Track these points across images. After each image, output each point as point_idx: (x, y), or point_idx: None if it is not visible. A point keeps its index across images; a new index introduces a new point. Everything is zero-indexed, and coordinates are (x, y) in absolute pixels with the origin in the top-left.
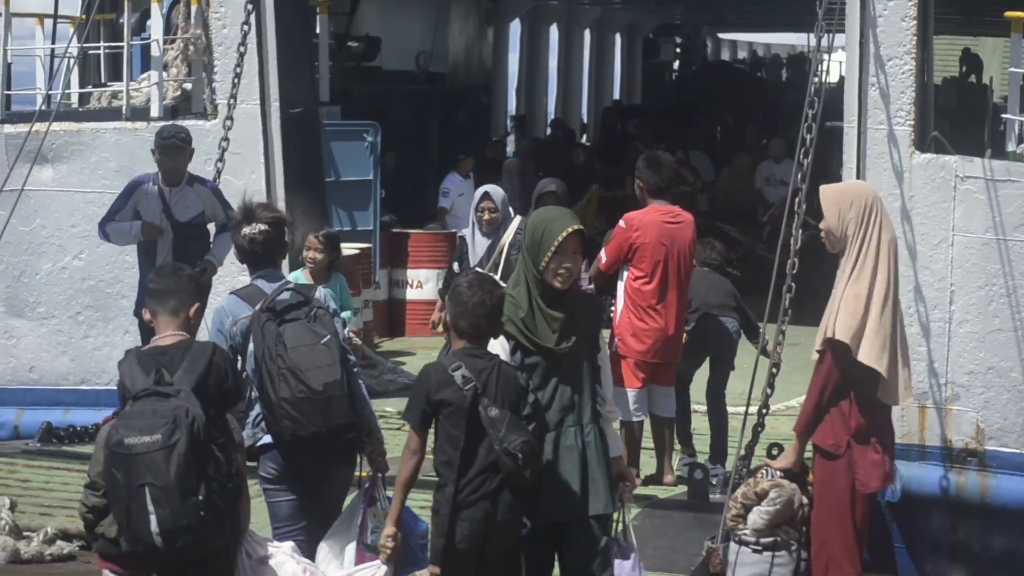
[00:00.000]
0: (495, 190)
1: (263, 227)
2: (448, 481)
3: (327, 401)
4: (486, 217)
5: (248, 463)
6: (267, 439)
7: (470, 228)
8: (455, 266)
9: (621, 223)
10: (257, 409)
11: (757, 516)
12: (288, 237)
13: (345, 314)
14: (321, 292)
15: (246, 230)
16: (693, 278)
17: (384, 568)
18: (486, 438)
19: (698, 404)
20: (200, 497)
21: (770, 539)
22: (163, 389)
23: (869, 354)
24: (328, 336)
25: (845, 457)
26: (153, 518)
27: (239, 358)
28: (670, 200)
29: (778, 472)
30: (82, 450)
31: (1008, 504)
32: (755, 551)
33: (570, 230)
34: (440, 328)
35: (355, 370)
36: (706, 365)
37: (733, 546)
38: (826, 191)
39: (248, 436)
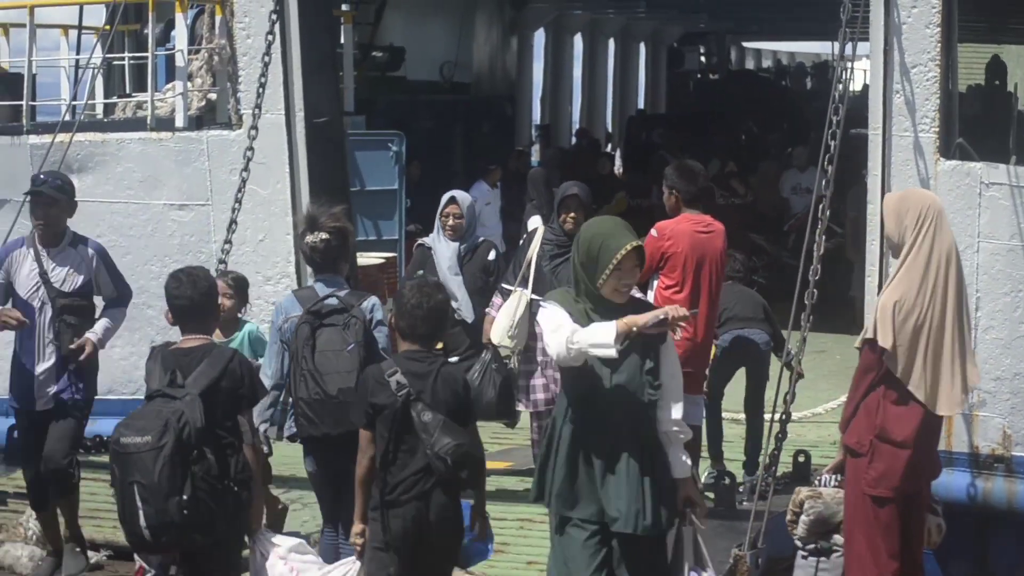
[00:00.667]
0: (462, 196)
1: (324, 235)
2: (378, 479)
3: (339, 406)
4: (450, 223)
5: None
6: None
7: (435, 233)
8: (417, 275)
9: (653, 232)
10: None
11: (801, 525)
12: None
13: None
14: (369, 302)
15: (309, 238)
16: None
17: (357, 564)
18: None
19: (731, 412)
20: (184, 497)
21: (813, 545)
22: (171, 391)
23: (899, 363)
24: (352, 344)
25: (867, 456)
26: (141, 513)
27: (289, 352)
28: (702, 209)
29: (836, 476)
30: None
31: None
32: (803, 557)
33: (629, 248)
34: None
35: None
36: (739, 377)
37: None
38: (888, 199)
39: (287, 428)
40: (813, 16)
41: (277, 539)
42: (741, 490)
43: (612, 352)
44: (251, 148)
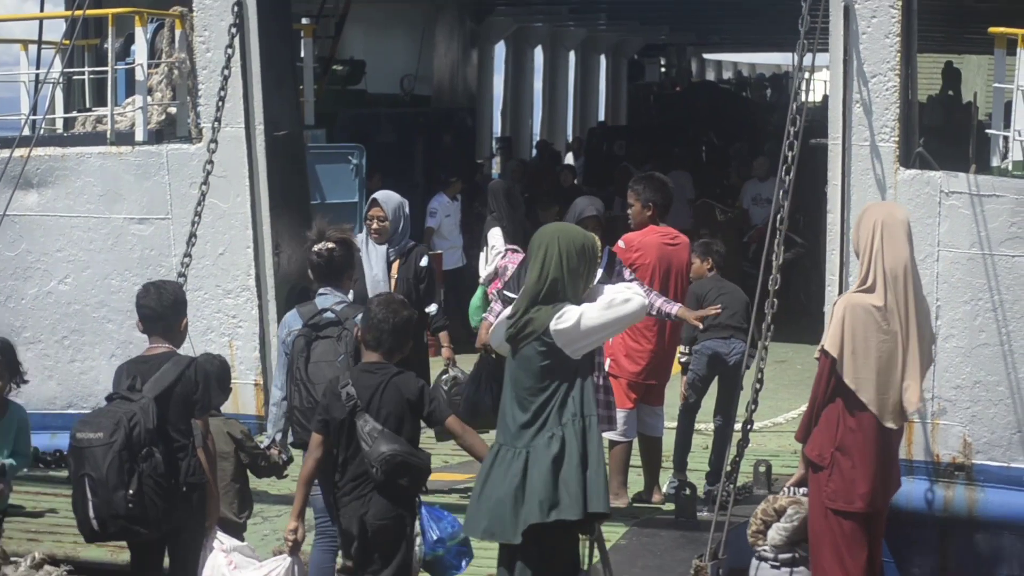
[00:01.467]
0: (386, 197)
1: (330, 246)
2: (332, 482)
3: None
4: (375, 226)
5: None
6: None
7: (362, 236)
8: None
9: (620, 243)
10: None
11: (775, 532)
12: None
13: (8, 461)
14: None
15: (315, 248)
16: (705, 285)
17: (288, 560)
18: None
19: (703, 423)
20: (130, 492)
21: (788, 555)
22: (129, 395)
23: (848, 371)
24: (343, 356)
25: (828, 469)
26: (91, 505)
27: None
28: (668, 221)
29: (800, 489)
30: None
31: (996, 518)
32: (773, 567)
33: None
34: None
35: None
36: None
37: (754, 561)
38: (862, 209)
39: (290, 435)
40: (773, 28)
41: (223, 537)
42: (704, 498)
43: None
44: (211, 162)
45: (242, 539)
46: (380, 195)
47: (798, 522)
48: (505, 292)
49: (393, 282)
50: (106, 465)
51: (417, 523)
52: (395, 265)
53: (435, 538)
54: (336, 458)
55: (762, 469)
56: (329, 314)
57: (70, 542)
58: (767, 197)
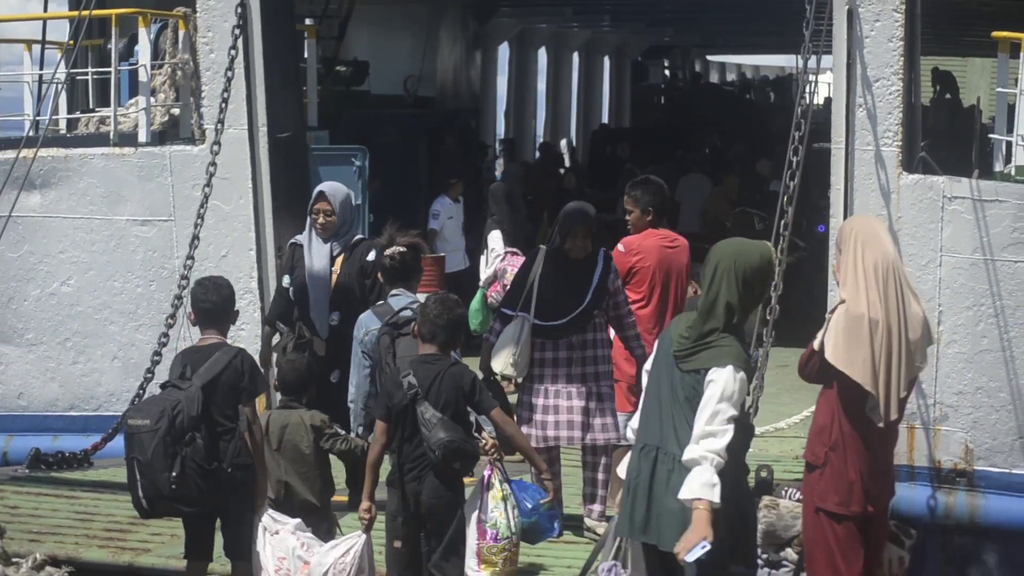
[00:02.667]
0: (333, 190)
1: (401, 250)
2: (392, 463)
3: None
4: (320, 220)
5: None
6: None
7: (306, 231)
8: (285, 280)
9: (620, 247)
10: None
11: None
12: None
13: None
14: None
15: (387, 252)
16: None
17: (363, 537)
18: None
19: None
20: (173, 474)
21: (764, 556)
22: (179, 383)
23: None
24: None
25: (821, 469)
26: (139, 486)
27: (371, 362)
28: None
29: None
30: (71, 476)
31: (997, 524)
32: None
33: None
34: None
35: None
36: None
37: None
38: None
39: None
40: (777, 30)
41: (281, 517)
42: None
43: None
44: (214, 163)
45: (326, 522)
46: (327, 187)
47: (765, 525)
48: (503, 309)
49: (334, 277)
50: (151, 450)
51: (510, 496)
52: (339, 260)
53: (529, 507)
54: (395, 440)
55: (764, 474)
56: (407, 312)
57: (72, 543)
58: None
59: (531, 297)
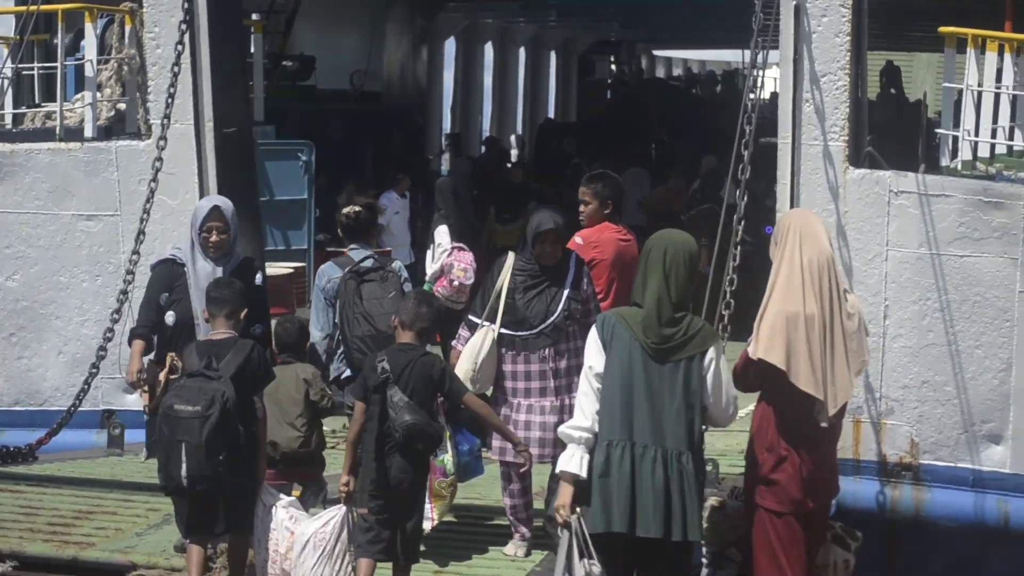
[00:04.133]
0: (226, 204)
1: (357, 209)
2: (362, 441)
3: (387, 339)
4: (214, 239)
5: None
6: (348, 372)
7: (188, 248)
8: (163, 298)
9: (577, 239)
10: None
11: None
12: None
13: None
14: (396, 264)
15: (345, 210)
16: None
17: (343, 509)
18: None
19: None
20: (220, 457)
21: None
22: (209, 373)
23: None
24: (393, 292)
25: (760, 469)
26: (184, 466)
27: (332, 307)
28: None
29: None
30: (15, 471)
31: (943, 517)
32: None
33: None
34: None
35: None
36: None
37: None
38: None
39: (334, 370)
40: (723, 25)
41: (276, 494)
42: None
43: None
44: (160, 158)
45: (315, 485)
46: (219, 201)
47: (710, 524)
48: (470, 316)
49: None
50: (204, 434)
51: (452, 437)
52: None
53: (466, 448)
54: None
55: (710, 468)
56: (368, 261)
57: (16, 537)
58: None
59: (498, 306)
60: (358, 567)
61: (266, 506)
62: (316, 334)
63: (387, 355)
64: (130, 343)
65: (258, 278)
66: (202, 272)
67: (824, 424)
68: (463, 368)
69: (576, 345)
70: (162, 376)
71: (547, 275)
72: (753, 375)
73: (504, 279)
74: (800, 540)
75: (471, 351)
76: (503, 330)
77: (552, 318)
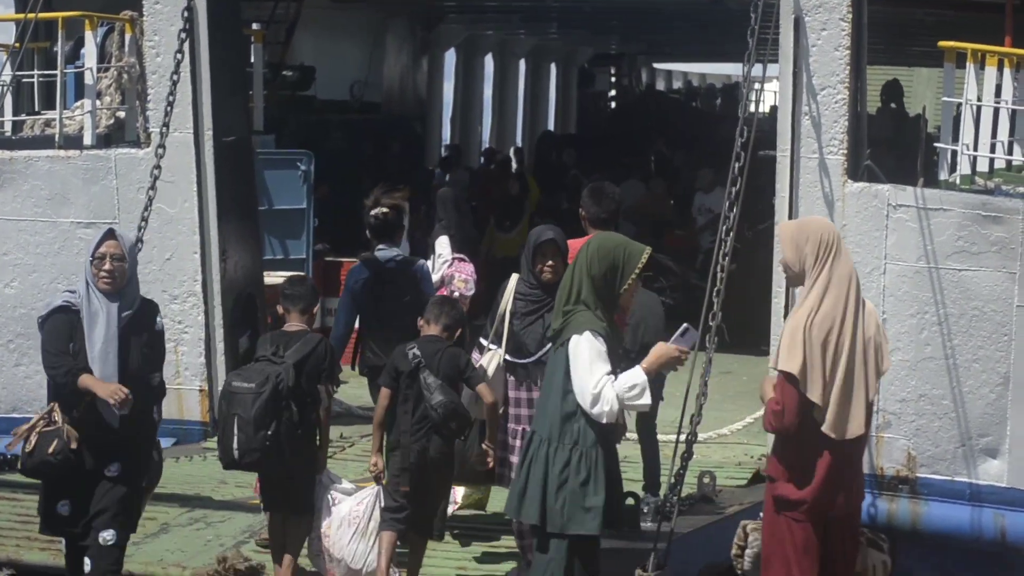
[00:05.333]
0: (121, 230)
1: (384, 210)
2: (395, 425)
3: (400, 341)
4: (107, 266)
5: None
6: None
7: (82, 288)
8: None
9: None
10: None
11: (746, 558)
12: (406, 220)
13: None
14: (418, 264)
15: (373, 212)
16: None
17: (376, 488)
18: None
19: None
20: (269, 432)
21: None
22: (274, 359)
23: (807, 381)
24: (408, 297)
25: (780, 478)
26: (235, 439)
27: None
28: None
29: None
30: (12, 478)
31: (940, 531)
32: None
33: (648, 251)
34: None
35: None
36: None
37: None
38: (785, 227)
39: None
40: (723, 39)
41: (334, 477)
42: (645, 510)
43: (648, 404)
44: (159, 167)
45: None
46: (117, 228)
47: (759, 548)
48: (480, 339)
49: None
50: (254, 409)
51: None
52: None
53: None
54: (394, 407)
55: (707, 480)
56: (391, 264)
57: (12, 545)
58: (709, 207)
59: (503, 329)
60: (381, 539)
61: (323, 486)
62: (336, 329)
63: (417, 344)
64: (76, 385)
65: (159, 322)
66: (100, 311)
67: (840, 437)
68: (467, 391)
69: None
70: (37, 424)
71: (547, 299)
72: (794, 397)
73: (507, 302)
74: (815, 549)
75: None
76: (507, 357)
77: (549, 345)
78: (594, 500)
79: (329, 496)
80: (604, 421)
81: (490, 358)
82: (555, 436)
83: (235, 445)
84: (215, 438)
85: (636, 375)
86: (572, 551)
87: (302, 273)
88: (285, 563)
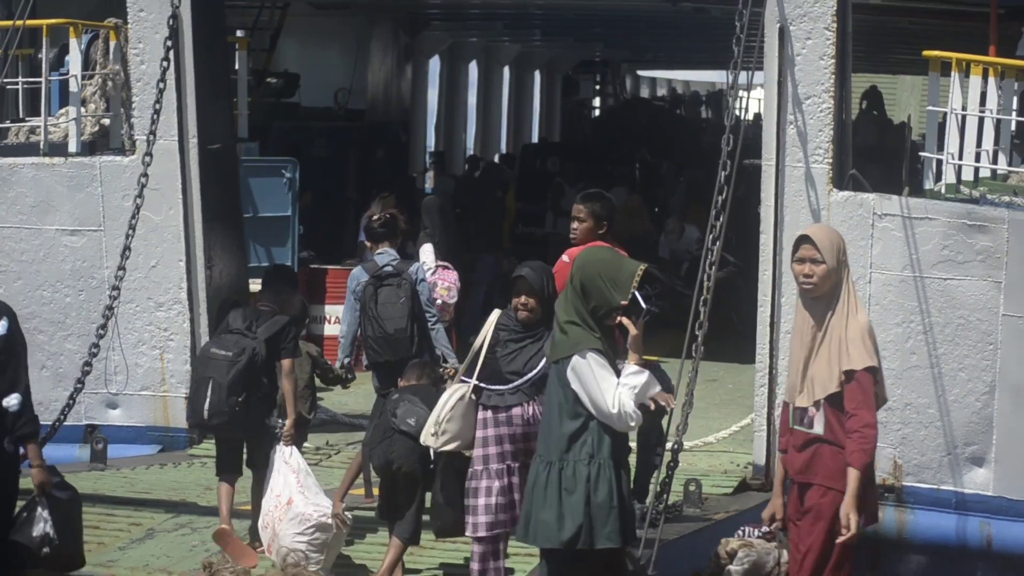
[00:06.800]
0: None
1: (387, 215)
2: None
3: (396, 341)
4: None
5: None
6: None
7: None
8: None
9: (564, 258)
10: None
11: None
12: (403, 226)
13: None
14: (414, 267)
15: (374, 217)
16: None
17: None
18: None
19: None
20: (239, 399)
21: None
22: (246, 332)
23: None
24: (403, 298)
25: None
26: (207, 401)
27: (360, 307)
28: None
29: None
30: None
31: (925, 540)
32: None
33: (644, 266)
34: None
35: (432, 323)
36: None
37: None
38: (822, 234)
39: (364, 360)
40: (708, 46)
41: (296, 455)
42: None
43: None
44: (144, 174)
45: (306, 437)
46: None
47: (749, 565)
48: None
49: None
50: (229, 376)
51: None
52: None
53: None
54: None
55: (692, 488)
56: (388, 268)
57: None
58: (686, 249)
59: (477, 361)
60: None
61: (284, 461)
62: (342, 328)
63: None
64: None
65: (1, 326)
66: None
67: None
68: (428, 423)
69: None
70: None
71: (529, 332)
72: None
73: (486, 334)
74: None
75: (438, 406)
76: (482, 384)
77: (531, 374)
78: (617, 512)
79: (292, 481)
80: (632, 426)
81: (454, 390)
82: (565, 455)
83: (206, 407)
84: (200, 445)
85: (630, 370)
86: (598, 565)
87: (287, 264)
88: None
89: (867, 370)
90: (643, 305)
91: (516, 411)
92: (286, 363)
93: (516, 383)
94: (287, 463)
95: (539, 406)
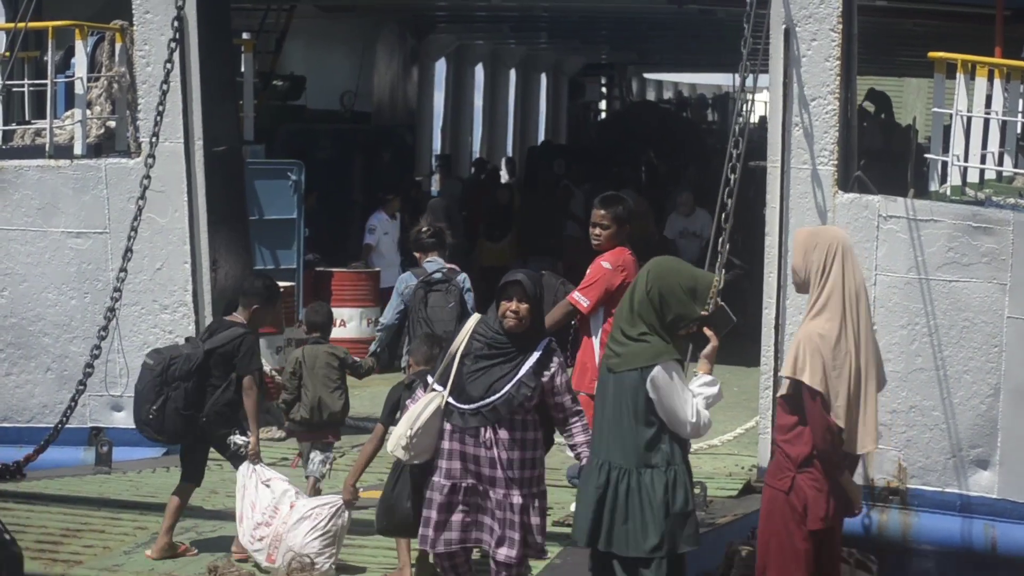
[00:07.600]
0: None
1: (436, 226)
2: None
3: (443, 342)
4: None
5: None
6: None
7: None
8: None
9: (605, 264)
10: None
11: None
12: (450, 240)
13: None
14: (461, 277)
15: (424, 229)
16: None
17: (341, 502)
18: None
19: None
20: (153, 407)
21: None
22: (196, 341)
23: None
24: (452, 303)
25: (789, 490)
26: (137, 410)
27: (405, 306)
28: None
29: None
30: (3, 488)
31: (930, 542)
32: None
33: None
34: None
35: None
36: None
37: None
38: (799, 233)
39: (404, 359)
40: (714, 49)
41: (274, 475)
42: None
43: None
44: (149, 176)
45: (339, 435)
46: None
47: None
48: (428, 376)
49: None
50: (146, 384)
51: None
52: None
53: None
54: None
55: (697, 490)
56: (438, 275)
57: None
58: (693, 231)
59: (450, 371)
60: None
61: (260, 479)
62: (382, 322)
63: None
64: None
65: None
66: None
67: (856, 452)
68: (398, 432)
69: (536, 437)
70: None
71: (507, 348)
72: (822, 416)
73: (461, 341)
74: (814, 558)
75: (410, 416)
76: (449, 398)
77: (492, 397)
78: (693, 516)
79: (264, 496)
80: (703, 434)
81: (428, 401)
82: (641, 463)
83: (136, 416)
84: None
85: (703, 380)
86: (674, 569)
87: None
88: None
89: (791, 380)
90: (733, 318)
91: (473, 434)
92: (246, 380)
93: (475, 405)
94: (261, 480)
95: (503, 430)
